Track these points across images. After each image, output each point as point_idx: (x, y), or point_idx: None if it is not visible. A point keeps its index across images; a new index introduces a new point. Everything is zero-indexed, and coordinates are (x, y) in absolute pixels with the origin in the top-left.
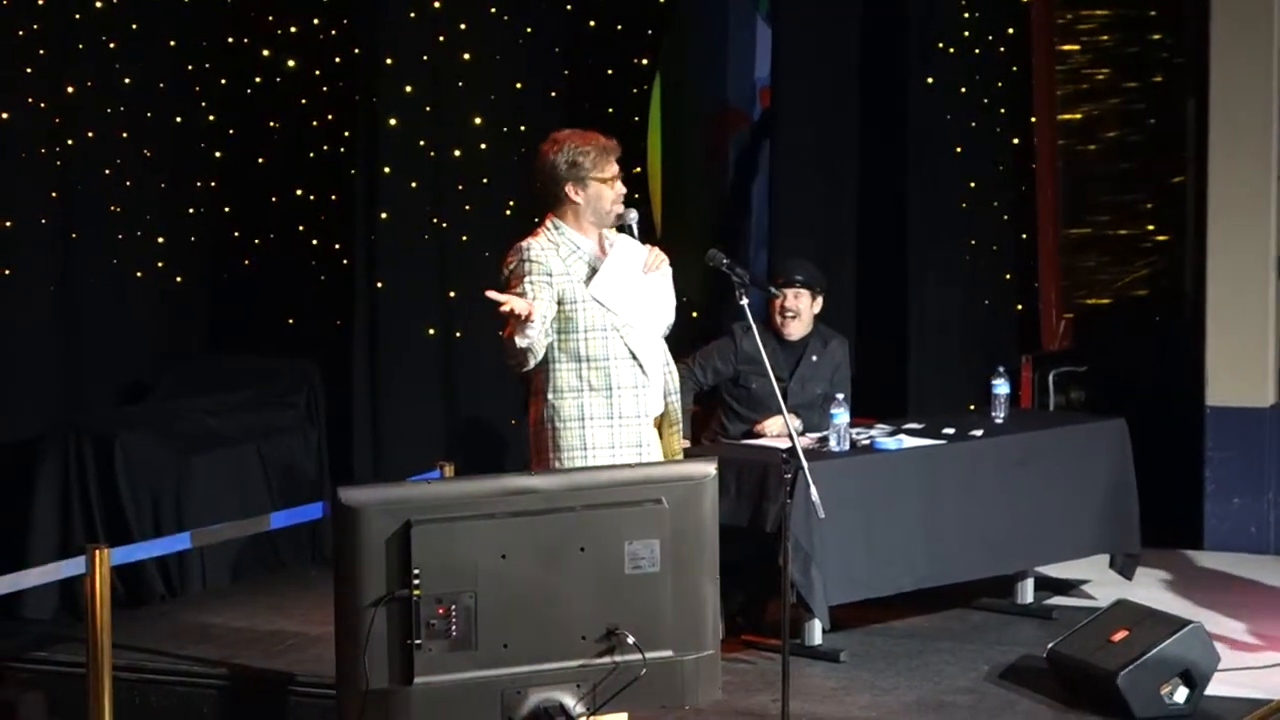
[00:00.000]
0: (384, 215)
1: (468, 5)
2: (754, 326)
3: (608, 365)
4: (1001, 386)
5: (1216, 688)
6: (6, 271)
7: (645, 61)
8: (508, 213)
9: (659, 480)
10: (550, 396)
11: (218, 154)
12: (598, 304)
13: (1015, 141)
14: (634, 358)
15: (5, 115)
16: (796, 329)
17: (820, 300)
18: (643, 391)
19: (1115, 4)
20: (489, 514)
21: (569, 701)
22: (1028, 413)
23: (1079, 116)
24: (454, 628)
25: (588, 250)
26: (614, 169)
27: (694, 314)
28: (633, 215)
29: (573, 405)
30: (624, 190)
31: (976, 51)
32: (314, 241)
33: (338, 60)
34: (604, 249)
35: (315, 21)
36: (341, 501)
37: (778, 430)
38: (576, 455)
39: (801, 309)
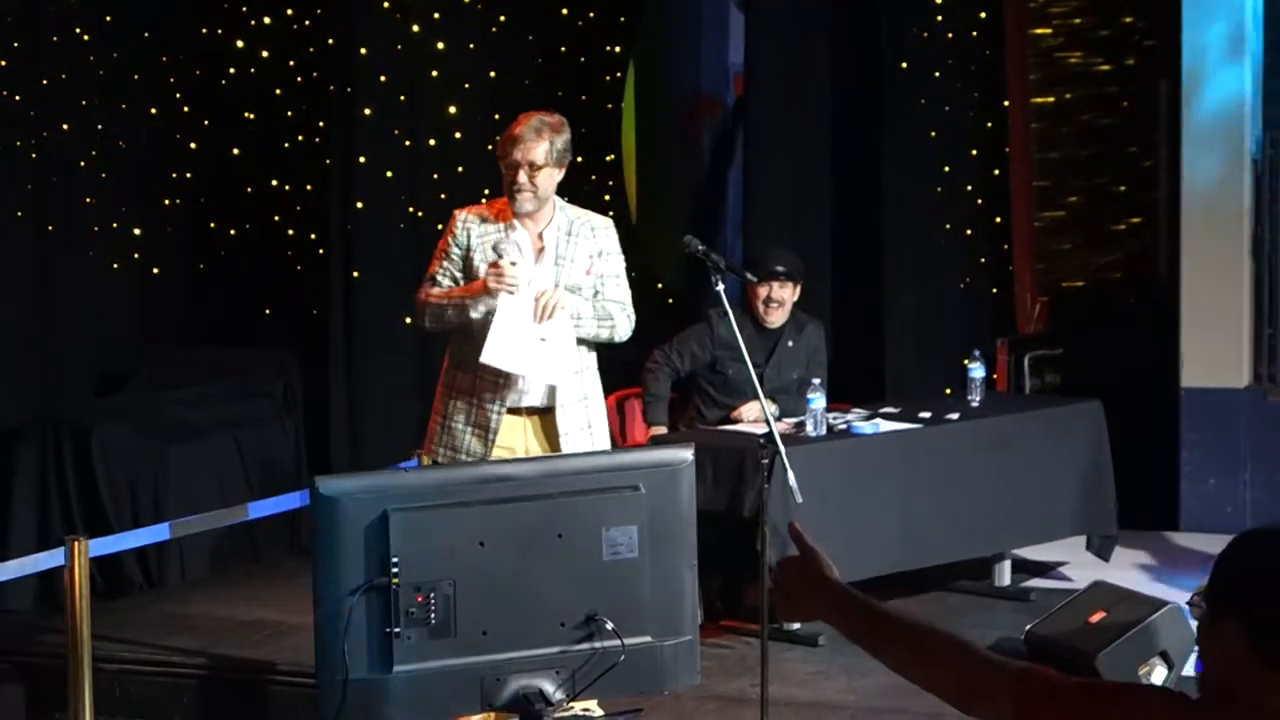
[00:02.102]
0: (360, 205)
1: None
2: (730, 312)
3: (481, 348)
4: (977, 370)
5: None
6: None
7: (619, 49)
8: (483, 201)
9: (637, 466)
10: (446, 361)
11: (193, 145)
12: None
13: (989, 125)
14: None
15: None
16: (779, 318)
17: (799, 288)
18: (503, 382)
19: None
20: (466, 502)
21: (549, 688)
22: (1003, 396)
23: (1052, 100)
24: (433, 615)
25: (516, 235)
26: (517, 154)
27: (670, 300)
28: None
29: (449, 374)
30: (519, 181)
31: (949, 36)
32: (290, 232)
33: (312, 50)
34: (542, 239)
35: (289, 12)
36: (319, 491)
37: (754, 415)
38: (439, 421)
39: (785, 298)
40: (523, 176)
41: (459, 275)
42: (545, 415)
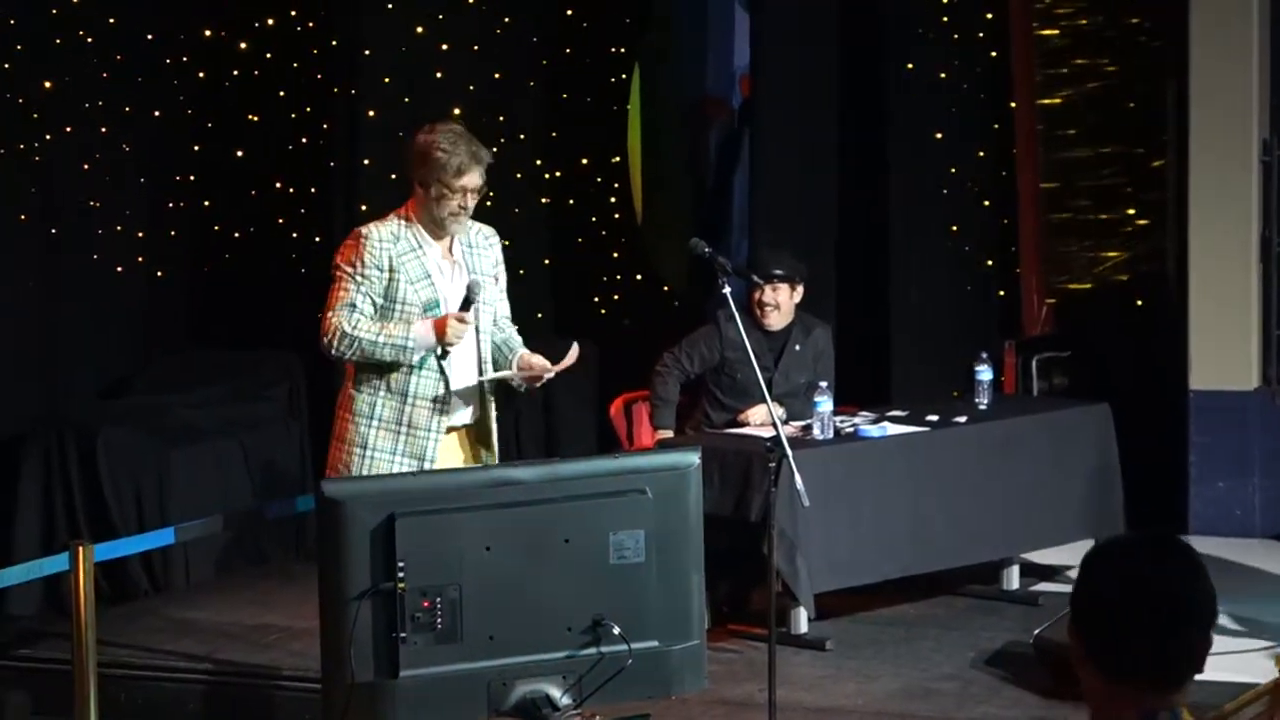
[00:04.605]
0: (364, 207)
1: None
2: (736, 315)
3: (411, 373)
4: (984, 372)
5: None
6: None
7: (624, 50)
8: (487, 204)
9: (643, 470)
10: (351, 387)
11: (196, 148)
12: (419, 310)
13: (995, 126)
14: (442, 373)
15: None
16: (777, 320)
17: (800, 289)
18: (440, 407)
19: None
20: (473, 506)
21: (555, 693)
22: (1011, 398)
23: (1058, 101)
24: (439, 620)
25: (430, 252)
26: (467, 180)
27: (675, 303)
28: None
29: (366, 402)
30: (466, 205)
31: (955, 37)
32: (294, 234)
33: (315, 52)
34: (451, 253)
35: (292, 14)
36: (325, 494)
37: (761, 419)
38: (356, 452)
39: (781, 301)
40: (471, 201)
41: (379, 300)
42: (479, 428)
